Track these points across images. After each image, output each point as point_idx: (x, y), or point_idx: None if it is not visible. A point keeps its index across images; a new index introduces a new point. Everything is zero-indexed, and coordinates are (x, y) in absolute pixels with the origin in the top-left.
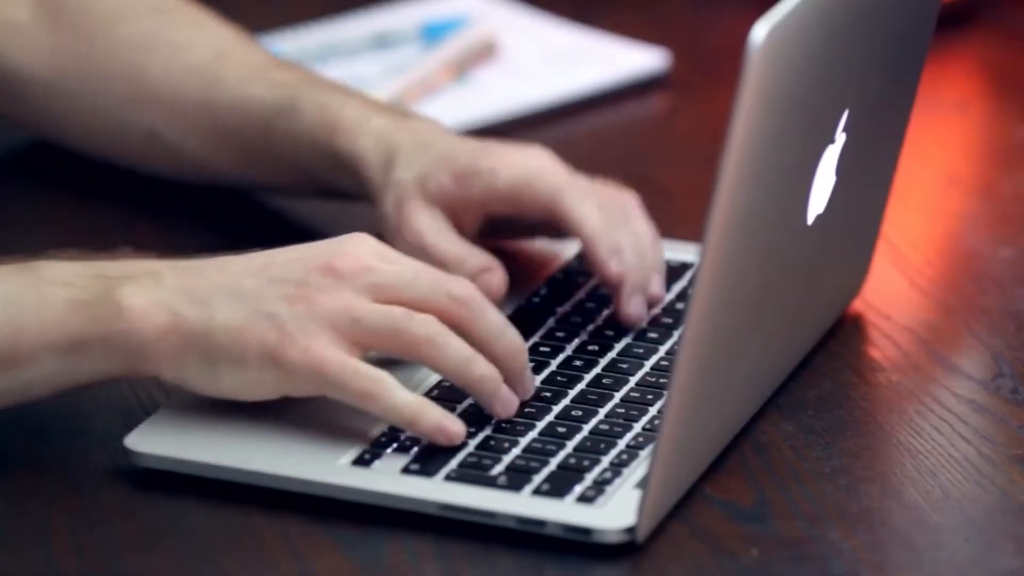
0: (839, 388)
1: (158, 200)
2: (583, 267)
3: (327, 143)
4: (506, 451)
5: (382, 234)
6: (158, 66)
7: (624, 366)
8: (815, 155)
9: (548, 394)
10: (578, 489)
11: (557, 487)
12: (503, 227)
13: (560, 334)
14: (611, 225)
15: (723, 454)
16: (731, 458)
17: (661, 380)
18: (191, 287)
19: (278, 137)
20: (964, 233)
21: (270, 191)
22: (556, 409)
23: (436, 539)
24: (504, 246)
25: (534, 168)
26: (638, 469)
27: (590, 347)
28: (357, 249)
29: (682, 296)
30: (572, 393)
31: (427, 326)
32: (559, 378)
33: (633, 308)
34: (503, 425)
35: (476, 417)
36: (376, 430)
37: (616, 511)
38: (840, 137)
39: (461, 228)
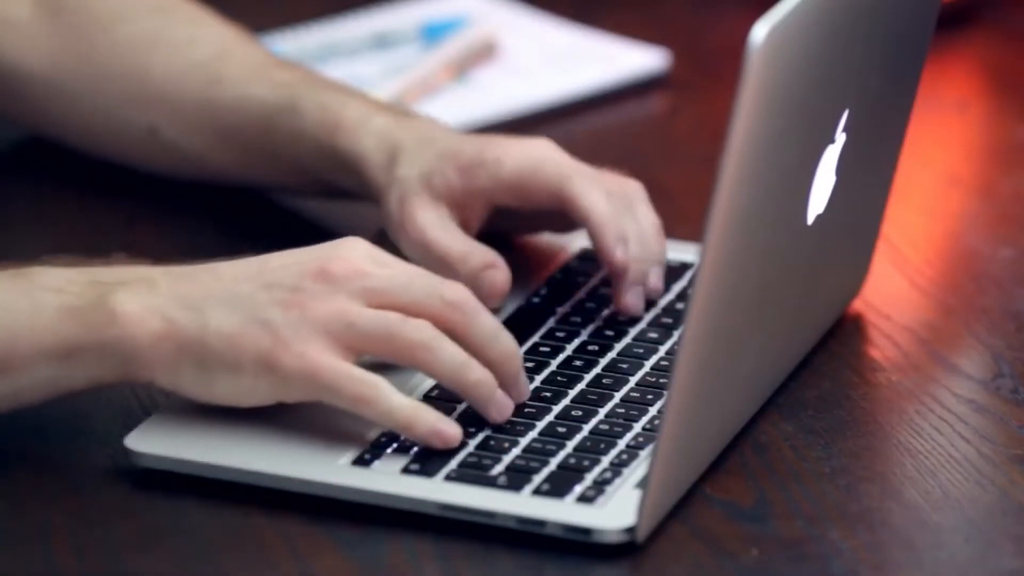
0: (839, 388)
1: (158, 200)
2: (583, 267)
3: (329, 143)
4: (506, 451)
5: (385, 232)
6: (159, 65)
7: (624, 366)
8: (815, 155)
9: (548, 394)
10: (578, 489)
11: (557, 487)
12: (507, 222)
13: (560, 334)
14: (617, 213)
15: (723, 454)
16: (731, 458)
17: (661, 380)
18: (185, 293)
19: (279, 136)
20: (964, 233)
21: (271, 190)
22: (556, 409)
23: (436, 539)
24: (509, 242)
25: (540, 156)
26: (638, 469)
27: (590, 347)
28: (351, 253)
29: (682, 296)
30: (572, 393)
31: (421, 331)
32: (559, 378)
33: (631, 299)
34: (503, 425)
35: (476, 417)
36: (376, 430)
37: (616, 511)
38: (840, 137)
39: (466, 223)
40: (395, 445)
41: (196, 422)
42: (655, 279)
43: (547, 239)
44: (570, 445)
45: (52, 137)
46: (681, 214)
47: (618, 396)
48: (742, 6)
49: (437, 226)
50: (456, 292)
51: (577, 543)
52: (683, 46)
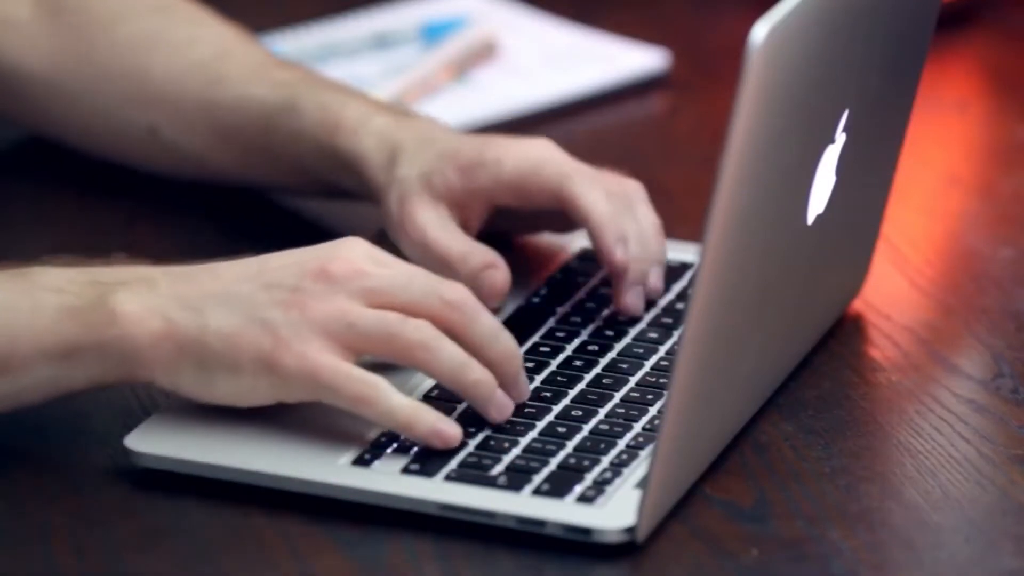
0: (839, 388)
1: (158, 200)
2: (583, 267)
3: (329, 143)
4: (506, 451)
5: (385, 232)
6: (159, 64)
7: (624, 366)
8: (815, 155)
9: (548, 394)
10: (578, 489)
11: (557, 487)
12: (506, 222)
13: (560, 334)
14: (617, 213)
15: (723, 454)
16: (731, 458)
17: (661, 380)
18: (185, 294)
19: (279, 136)
20: (964, 233)
21: (271, 190)
22: (556, 409)
23: (436, 539)
24: (509, 242)
25: (540, 156)
26: (638, 469)
27: (590, 347)
28: (350, 253)
29: (682, 296)
30: (572, 393)
31: (421, 331)
32: (559, 378)
33: (631, 299)
34: (503, 425)
35: (476, 417)
36: (376, 430)
37: (616, 511)
38: (840, 137)
39: (466, 223)
40: (395, 445)
41: (196, 422)
42: (655, 279)
43: (547, 239)
44: (570, 445)
45: (52, 137)
46: (681, 214)
47: (618, 396)
48: (742, 6)
49: (437, 226)
50: (456, 292)
51: (577, 543)
52: (683, 46)
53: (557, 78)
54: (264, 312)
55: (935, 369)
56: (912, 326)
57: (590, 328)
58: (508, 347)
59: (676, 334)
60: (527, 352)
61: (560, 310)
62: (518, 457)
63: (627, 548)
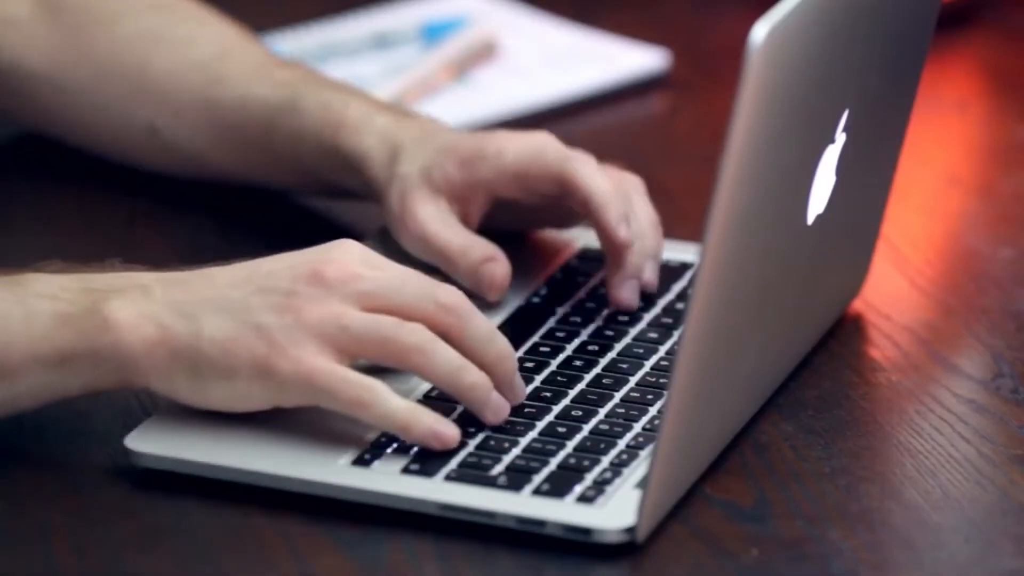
0: (839, 388)
1: (158, 200)
2: (583, 267)
3: (331, 142)
4: (506, 451)
5: (387, 230)
6: (159, 63)
7: (624, 366)
8: (815, 155)
9: (548, 394)
10: (578, 489)
11: (557, 487)
12: (506, 216)
13: (560, 334)
14: (619, 194)
15: (723, 454)
16: (731, 458)
17: (661, 380)
18: (179, 300)
19: (281, 135)
20: (964, 233)
21: (271, 189)
22: (556, 409)
23: (436, 539)
24: (509, 242)
25: (541, 143)
26: (638, 469)
27: (590, 347)
28: (344, 256)
29: (682, 296)
30: (572, 393)
31: (416, 334)
32: (559, 378)
33: (626, 294)
34: (503, 425)
35: (475, 418)
36: (375, 431)
37: (616, 511)
38: (840, 137)
39: (466, 217)
40: (395, 445)
41: (196, 422)
42: (650, 273)
43: (547, 239)
44: (570, 445)
45: (52, 135)
46: (681, 214)
47: (618, 396)
48: (742, 6)
49: (437, 220)
50: (450, 295)
51: (577, 543)
52: (683, 46)
53: (557, 78)
54: (258, 317)
55: (935, 369)
56: (912, 326)
57: (590, 328)
58: (503, 349)
59: (676, 334)
60: (527, 352)
61: (560, 310)
62: (518, 457)
63: (627, 548)
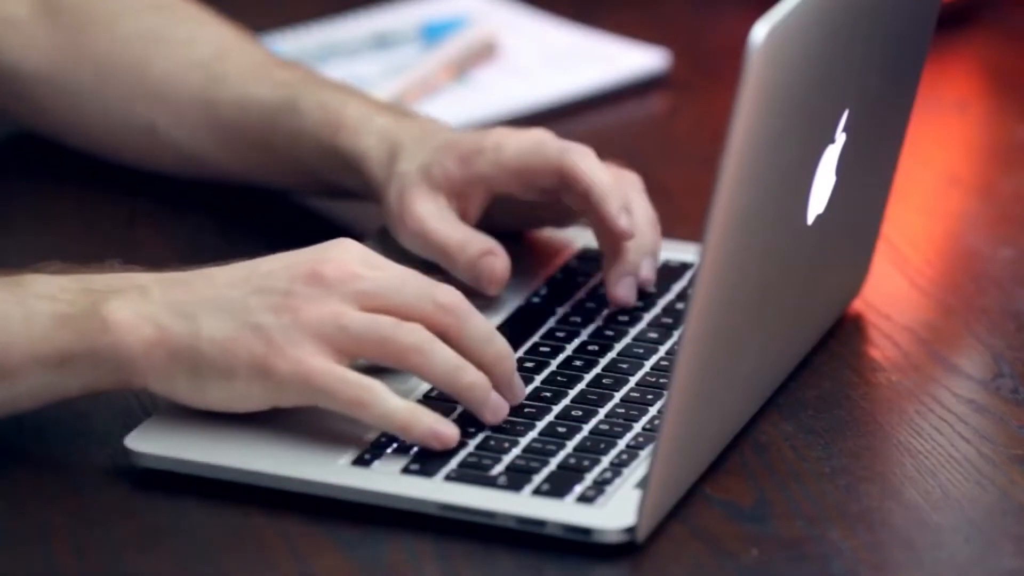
0: (839, 388)
1: (158, 200)
2: (583, 267)
3: (330, 142)
4: (506, 451)
5: (387, 230)
6: (158, 63)
7: (624, 366)
8: (815, 155)
9: (548, 394)
10: (578, 489)
11: (557, 487)
12: (505, 215)
13: (560, 334)
14: (619, 185)
15: (723, 454)
16: (731, 458)
17: (661, 380)
18: (177, 300)
19: (280, 136)
20: (964, 233)
21: (271, 189)
22: (556, 409)
23: (436, 539)
24: (509, 241)
25: (539, 137)
26: (638, 469)
27: (590, 347)
28: (343, 256)
29: (682, 296)
30: (572, 393)
31: (414, 334)
32: (559, 378)
33: (623, 290)
34: (503, 425)
35: (475, 418)
36: (375, 431)
37: (616, 511)
38: (840, 137)
39: (465, 213)
40: (395, 445)
41: (196, 422)
42: (647, 270)
43: (547, 239)
44: (570, 445)
45: (52, 135)
46: (681, 214)
47: (618, 396)
48: (742, 6)
49: (435, 216)
50: (448, 295)
51: (577, 543)
52: (683, 46)
53: (557, 78)
54: (256, 317)
55: (935, 369)
56: (912, 326)
57: (590, 328)
58: (501, 349)
59: (676, 334)
60: (527, 352)
61: (560, 310)
62: (518, 457)
63: (627, 548)
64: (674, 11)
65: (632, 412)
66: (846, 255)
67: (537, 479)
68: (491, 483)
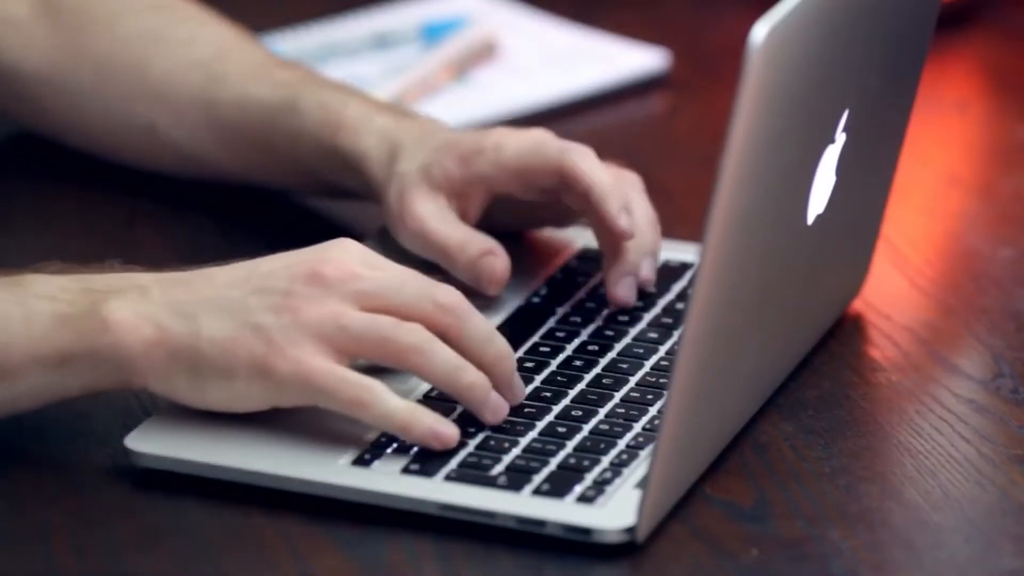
0: (839, 388)
1: (158, 200)
2: (583, 267)
3: (330, 142)
4: (506, 451)
5: (387, 230)
6: (159, 63)
7: (624, 366)
8: (815, 155)
9: (548, 394)
10: (578, 489)
11: (557, 487)
12: (504, 215)
13: (560, 334)
14: (619, 185)
15: (723, 454)
16: (731, 458)
17: (661, 380)
18: (177, 300)
19: (280, 136)
20: (964, 233)
21: (271, 189)
22: (556, 409)
23: (436, 539)
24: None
25: (539, 137)
26: (638, 469)
27: (590, 347)
28: (343, 255)
29: (682, 296)
30: (572, 393)
31: (414, 334)
32: (559, 378)
33: (623, 291)
34: (503, 425)
35: (475, 418)
36: (375, 431)
37: (616, 511)
38: (840, 137)
39: (465, 214)
40: (395, 445)
41: (196, 422)
42: (647, 270)
43: (547, 239)
44: (570, 445)
45: (52, 135)
46: (681, 214)
47: (618, 396)
48: (742, 6)
49: (435, 216)
50: (448, 295)
51: (577, 543)
52: (683, 46)
53: (557, 78)
54: (256, 317)
55: (935, 369)
56: (912, 326)
57: (590, 328)
58: (501, 349)
59: (676, 334)
60: (527, 352)
61: (560, 310)
62: (518, 457)
63: (627, 548)
64: (674, 11)
65: (632, 412)
66: (846, 255)
67: (537, 479)
68: (491, 483)
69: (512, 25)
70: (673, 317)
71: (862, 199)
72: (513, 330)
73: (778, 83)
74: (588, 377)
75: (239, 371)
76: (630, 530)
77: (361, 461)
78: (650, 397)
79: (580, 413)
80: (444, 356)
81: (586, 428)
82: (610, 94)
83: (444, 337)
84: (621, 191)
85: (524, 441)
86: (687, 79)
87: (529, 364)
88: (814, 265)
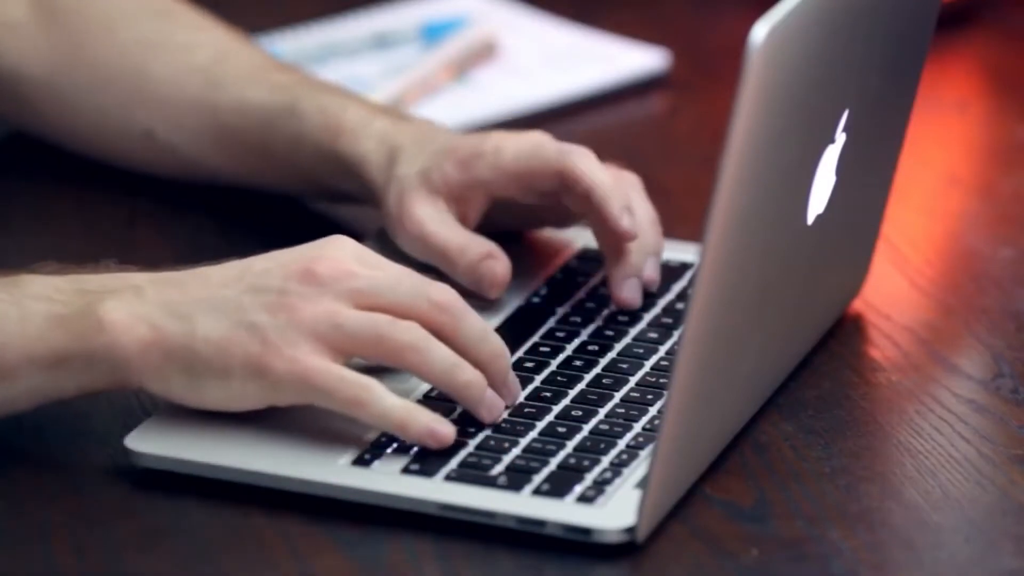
0: (839, 388)
1: (158, 200)
2: (583, 267)
3: (329, 146)
4: (506, 451)
5: (385, 232)
6: (158, 68)
7: (624, 366)
8: (815, 155)
9: (548, 394)
10: (578, 489)
11: (557, 487)
12: (504, 217)
13: (560, 334)
14: (619, 186)
15: (723, 454)
16: (731, 458)
17: (661, 380)
18: (172, 300)
19: (279, 140)
20: (964, 233)
21: (270, 191)
22: (556, 409)
23: (436, 539)
24: (509, 242)
25: (539, 140)
26: (638, 469)
27: (590, 347)
28: (337, 253)
29: (682, 296)
30: (572, 393)
31: (410, 332)
32: (559, 378)
33: (628, 292)
34: (503, 425)
35: (475, 418)
36: (375, 430)
37: (616, 511)
38: (840, 137)
39: (464, 217)
40: (395, 445)
41: (196, 422)
42: (651, 270)
43: (547, 239)
44: (570, 445)
45: (51, 138)
46: (681, 214)
47: (618, 396)
48: (742, 6)
49: (435, 220)
50: (443, 293)
51: (577, 543)
52: (683, 46)
53: (557, 78)
54: (251, 316)
55: (935, 369)
56: (912, 326)
57: (590, 328)
58: (496, 347)
59: (676, 334)
60: (527, 352)
61: (560, 310)
62: (518, 457)
63: (627, 548)
64: (674, 11)
65: (632, 412)
66: (846, 255)
67: (537, 479)
68: (491, 483)
69: (512, 25)
70: (673, 317)
71: (862, 199)
72: (513, 330)
73: (778, 83)
74: (588, 377)
75: (235, 371)
76: (630, 530)
77: (361, 461)
78: (650, 397)
79: (580, 413)
80: (440, 354)
81: (586, 428)
82: (610, 94)
83: (439, 335)
84: (622, 192)
85: (524, 441)
86: (687, 79)
87: (529, 364)
88: (814, 265)
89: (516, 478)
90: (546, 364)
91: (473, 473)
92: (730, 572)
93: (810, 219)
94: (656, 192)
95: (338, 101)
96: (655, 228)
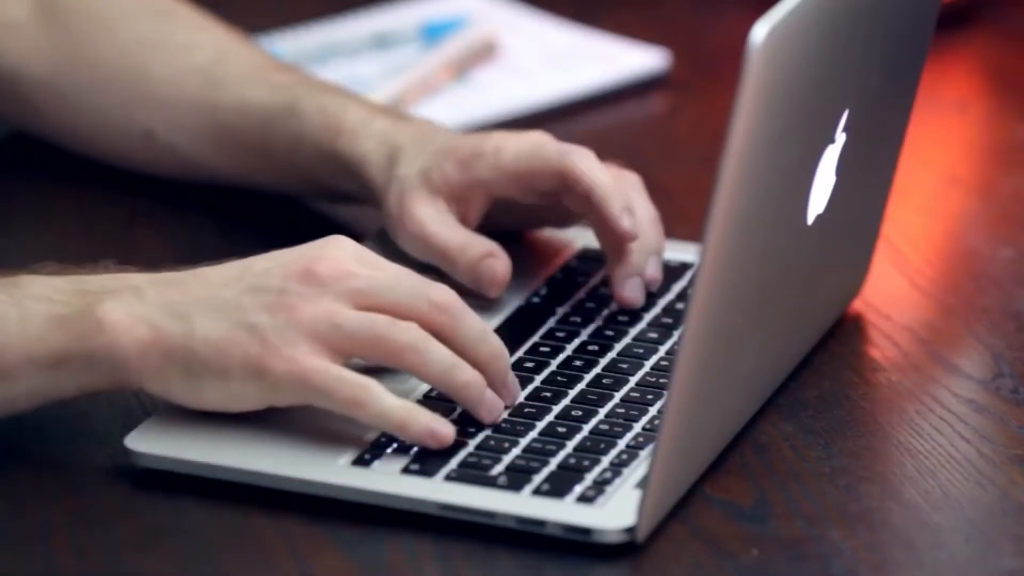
0: (839, 388)
1: (158, 200)
2: (583, 267)
3: (330, 146)
4: (506, 451)
5: (386, 232)
6: (158, 68)
7: (624, 366)
8: (815, 155)
9: (548, 394)
10: (578, 489)
11: (557, 487)
12: (504, 217)
13: (560, 334)
14: (619, 186)
15: (723, 454)
16: (731, 458)
17: (661, 380)
18: (171, 301)
19: (279, 140)
20: (964, 233)
21: (270, 191)
22: (556, 409)
23: (436, 539)
24: (509, 242)
25: (539, 140)
26: (638, 469)
27: (590, 347)
28: (337, 253)
29: (682, 296)
30: (572, 393)
31: (410, 333)
32: (559, 378)
33: (631, 291)
34: (503, 425)
35: (474, 418)
36: (375, 430)
37: (616, 511)
38: (840, 137)
39: (465, 217)
40: (395, 445)
41: (196, 422)
42: (653, 269)
43: (547, 239)
44: (570, 445)
45: (51, 138)
46: (681, 214)
47: (618, 396)
48: (742, 6)
49: (435, 220)
50: (442, 294)
51: (577, 543)
52: (683, 46)
53: (557, 78)
54: (251, 316)
55: (935, 369)
56: (912, 326)
57: (590, 328)
58: (495, 348)
59: (676, 334)
60: (527, 352)
61: (560, 310)
62: (518, 457)
63: (627, 548)
64: (674, 11)
65: (632, 412)
66: (846, 255)
67: (537, 479)
68: (491, 483)
69: (512, 25)
70: (673, 317)
71: (862, 199)
72: (513, 330)
73: (778, 83)
74: (588, 377)
75: (234, 371)
76: (630, 530)
77: (361, 461)
78: (650, 397)
79: (580, 413)
80: (440, 355)
81: (586, 428)
82: (610, 94)
83: (438, 336)
84: (622, 192)
85: (524, 441)
86: (687, 79)
87: (529, 364)
88: (814, 265)
89: (516, 478)
90: (546, 364)
91: (473, 473)
92: (730, 572)
93: (810, 219)
94: (656, 192)
95: (338, 101)
96: (656, 227)
